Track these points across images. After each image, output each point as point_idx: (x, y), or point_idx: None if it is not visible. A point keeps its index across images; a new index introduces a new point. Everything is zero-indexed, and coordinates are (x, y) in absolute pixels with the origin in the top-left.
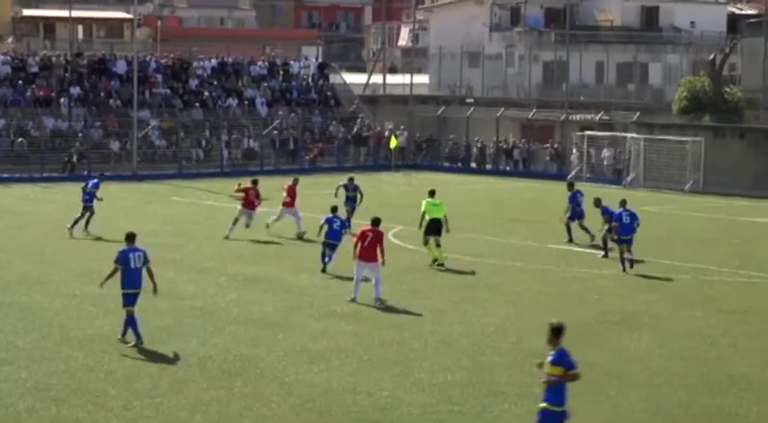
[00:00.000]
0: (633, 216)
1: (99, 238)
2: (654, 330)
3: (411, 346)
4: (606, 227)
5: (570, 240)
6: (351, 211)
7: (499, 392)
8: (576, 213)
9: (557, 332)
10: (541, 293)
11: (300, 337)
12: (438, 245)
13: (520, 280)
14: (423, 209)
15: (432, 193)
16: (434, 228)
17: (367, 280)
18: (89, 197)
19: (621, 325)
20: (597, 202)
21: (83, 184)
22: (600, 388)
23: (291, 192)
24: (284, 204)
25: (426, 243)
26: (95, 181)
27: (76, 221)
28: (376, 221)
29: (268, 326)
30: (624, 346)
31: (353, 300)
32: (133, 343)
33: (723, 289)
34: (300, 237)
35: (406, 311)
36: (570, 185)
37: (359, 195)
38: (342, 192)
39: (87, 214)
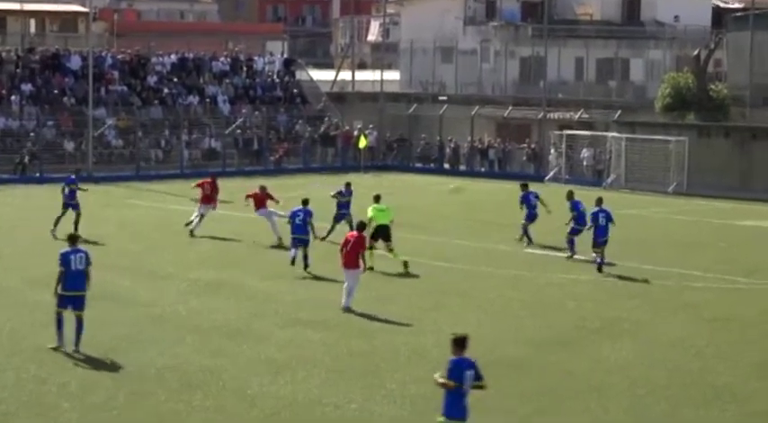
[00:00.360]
0: (609, 217)
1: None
2: (635, 338)
3: (382, 356)
4: (570, 223)
5: (529, 243)
6: (340, 218)
7: (472, 404)
8: (529, 215)
9: (459, 343)
10: (515, 300)
11: (265, 346)
12: (390, 250)
13: (492, 286)
14: (369, 215)
15: (377, 199)
16: (383, 234)
17: None
18: (71, 194)
19: (601, 333)
20: (570, 195)
21: (60, 185)
22: (579, 399)
23: (260, 198)
24: (258, 208)
25: (371, 248)
26: (72, 177)
27: (58, 220)
28: (360, 226)
29: (231, 334)
30: (604, 355)
31: (346, 309)
32: (55, 346)
33: (707, 295)
34: (279, 244)
35: (375, 319)
36: (523, 186)
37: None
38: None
39: (75, 215)
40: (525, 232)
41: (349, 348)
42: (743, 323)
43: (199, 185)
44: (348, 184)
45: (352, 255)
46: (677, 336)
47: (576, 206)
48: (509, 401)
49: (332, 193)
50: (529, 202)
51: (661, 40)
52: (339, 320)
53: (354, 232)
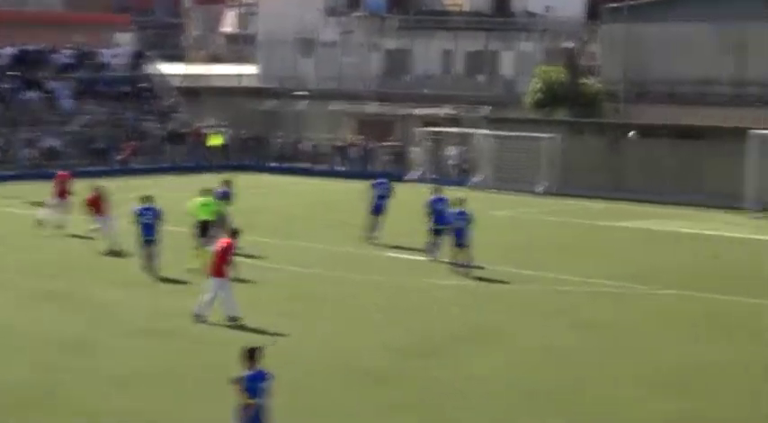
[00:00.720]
0: (468, 218)
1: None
2: (502, 345)
3: (234, 369)
4: (430, 226)
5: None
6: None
7: (328, 415)
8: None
9: (250, 356)
10: (376, 306)
11: (108, 359)
12: (197, 249)
13: (351, 292)
14: (189, 210)
15: (205, 193)
16: (203, 230)
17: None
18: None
19: (467, 340)
20: (436, 191)
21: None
22: (444, 409)
23: (96, 202)
24: (97, 214)
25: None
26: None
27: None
28: (232, 233)
29: (70, 348)
30: (471, 362)
31: (197, 317)
32: None
33: (577, 300)
34: (113, 250)
35: (228, 328)
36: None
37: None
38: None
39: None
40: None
41: (200, 360)
42: (615, 329)
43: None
44: (227, 182)
45: (216, 262)
46: (547, 342)
47: (432, 205)
48: (371, 415)
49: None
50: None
51: (532, 32)
52: (189, 330)
53: (227, 239)
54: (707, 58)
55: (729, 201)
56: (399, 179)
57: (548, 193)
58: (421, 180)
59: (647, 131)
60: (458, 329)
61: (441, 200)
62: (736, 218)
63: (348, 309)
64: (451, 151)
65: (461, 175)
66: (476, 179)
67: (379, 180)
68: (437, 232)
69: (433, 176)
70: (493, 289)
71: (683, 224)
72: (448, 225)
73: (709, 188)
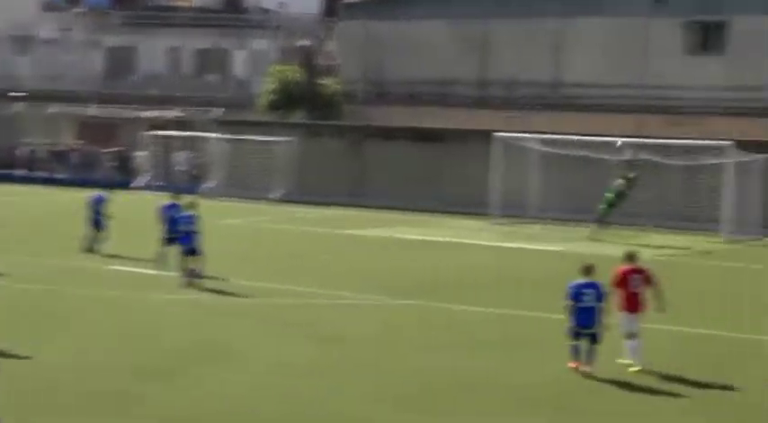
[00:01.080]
0: (191, 221)
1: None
2: (240, 363)
3: None
4: (164, 234)
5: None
6: None
7: None
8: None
9: None
10: (103, 324)
11: None
12: None
13: (76, 308)
14: None
15: None
16: None
17: None
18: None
19: (201, 358)
20: (172, 197)
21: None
22: None
23: None
24: None
25: None
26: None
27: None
28: None
29: None
30: (206, 382)
31: None
32: None
33: (316, 313)
34: None
35: None
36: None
37: None
38: None
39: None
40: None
41: None
42: (356, 342)
43: None
44: None
45: None
46: (285, 359)
47: (165, 212)
48: None
49: None
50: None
51: (266, 30)
52: None
53: None
54: (448, 58)
55: (473, 207)
56: (125, 187)
57: (284, 199)
58: (148, 187)
59: (387, 134)
60: (190, 348)
61: (174, 206)
62: (480, 224)
63: (75, 326)
64: (181, 156)
65: (192, 182)
66: (207, 186)
67: (95, 196)
68: (170, 241)
69: (160, 184)
70: (227, 303)
71: (426, 232)
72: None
73: (453, 193)
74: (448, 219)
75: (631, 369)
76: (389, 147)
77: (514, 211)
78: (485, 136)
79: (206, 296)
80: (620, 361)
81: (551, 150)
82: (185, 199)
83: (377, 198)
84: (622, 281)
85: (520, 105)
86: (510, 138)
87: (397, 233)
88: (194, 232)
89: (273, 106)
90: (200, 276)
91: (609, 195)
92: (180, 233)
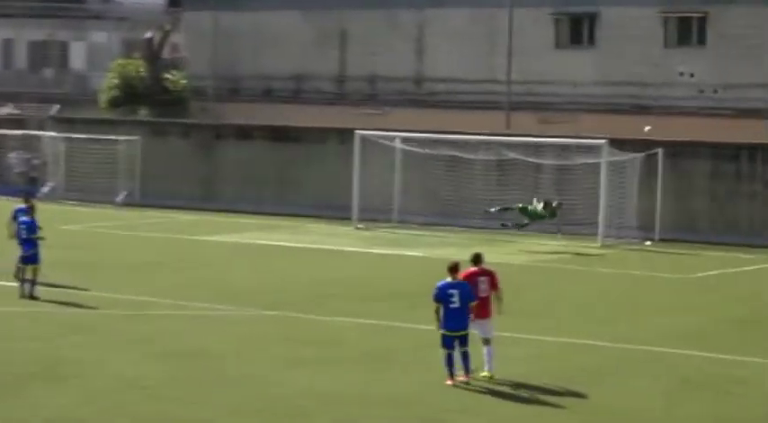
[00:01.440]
0: (32, 227)
1: None
2: (81, 380)
3: None
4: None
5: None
6: None
7: None
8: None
9: None
10: None
11: None
12: None
13: None
14: None
15: None
16: None
17: None
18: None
19: (40, 376)
20: (25, 200)
21: None
22: None
23: None
24: None
25: None
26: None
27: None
28: None
29: None
30: (43, 403)
31: None
32: None
33: (163, 325)
34: None
35: None
36: (25, 200)
37: None
38: None
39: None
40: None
41: None
42: (211, 358)
43: None
44: None
45: None
46: (131, 375)
47: (17, 214)
48: None
49: None
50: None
51: (107, 21)
52: None
53: None
54: (305, 51)
55: (334, 210)
56: None
57: (128, 203)
58: None
59: (240, 133)
60: (28, 365)
61: (23, 210)
62: (341, 229)
63: None
64: (15, 157)
65: (29, 185)
66: (45, 189)
67: None
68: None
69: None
70: (68, 315)
71: (284, 237)
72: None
73: (312, 196)
74: (307, 223)
75: (482, 374)
76: (243, 147)
77: (378, 214)
78: (345, 134)
79: (47, 308)
80: (483, 374)
81: (415, 150)
82: (25, 203)
83: (230, 202)
84: (470, 284)
85: (381, 102)
86: (372, 136)
87: (252, 239)
88: (32, 239)
89: (115, 103)
90: (35, 285)
91: (526, 211)
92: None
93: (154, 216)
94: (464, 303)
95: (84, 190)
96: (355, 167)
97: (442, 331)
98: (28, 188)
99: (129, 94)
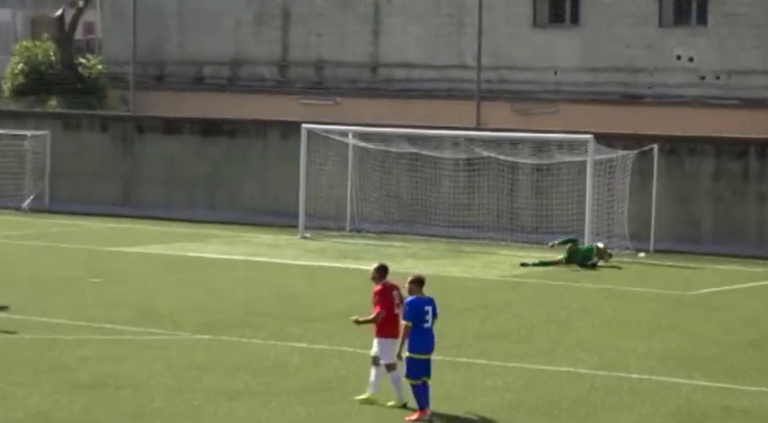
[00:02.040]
0: None
1: None
2: None
3: None
4: None
5: None
6: None
7: None
8: None
9: None
10: None
11: None
12: None
13: None
14: None
15: None
16: None
17: None
18: None
19: None
20: None
21: None
22: None
23: None
24: None
25: None
26: None
27: None
28: None
29: None
30: None
31: None
32: None
33: (78, 352)
34: None
35: None
36: None
37: None
38: None
39: None
40: None
41: None
42: (136, 388)
43: None
44: None
45: None
46: (41, 408)
47: None
48: None
49: None
50: None
51: None
52: None
53: None
54: (242, 34)
55: (276, 217)
56: None
57: (36, 209)
58: None
59: (166, 127)
60: None
61: None
62: (283, 238)
63: None
64: None
65: None
66: None
67: None
68: None
69: None
70: None
71: (218, 249)
72: None
73: (251, 200)
74: (245, 232)
75: (390, 403)
76: (169, 142)
77: (328, 222)
78: (289, 128)
79: None
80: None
81: (372, 146)
82: None
83: (154, 207)
84: (386, 299)
85: (331, 91)
86: (320, 130)
87: (181, 250)
88: None
89: (21, 92)
90: None
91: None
92: None
93: (66, 223)
94: (432, 322)
95: None
96: (302, 167)
97: (409, 355)
98: None
99: (37, 82)
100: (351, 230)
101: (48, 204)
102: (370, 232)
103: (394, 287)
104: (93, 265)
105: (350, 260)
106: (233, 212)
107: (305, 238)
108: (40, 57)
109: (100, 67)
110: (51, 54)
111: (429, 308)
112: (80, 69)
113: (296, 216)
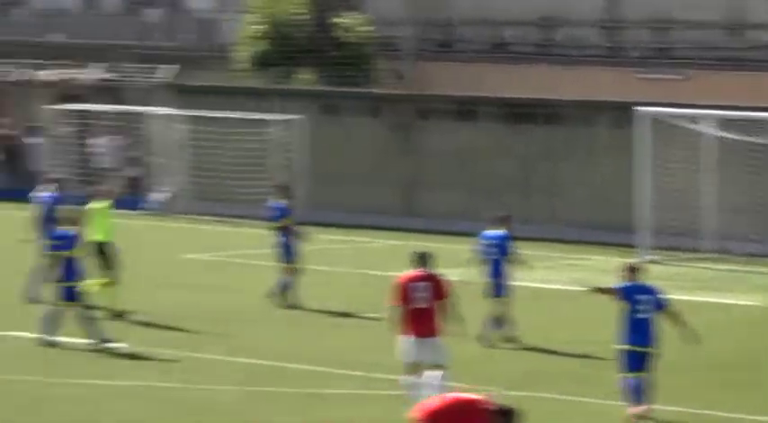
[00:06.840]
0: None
1: None
2: None
3: None
4: None
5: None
6: None
7: None
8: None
9: None
10: None
11: None
12: None
13: None
14: None
15: None
16: None
17: None
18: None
19: None
20: None
21: None
22: None
23: None
24: None
25: None
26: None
27: None
28: None
29: None
30: None
31: None
32: None
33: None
34: None
35: None
36: None
37: None
38: None
39: None
40: None
41: None
42: None
43: None
44: None
45: None
46: None
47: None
48: None
49: None
50: None
51: None
52: None
53: None
54: None
55: (610, 232)
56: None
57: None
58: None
59: (459, 110)
60: None
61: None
62: (614, 260)
63: None
64: (104, 145)
65: (129, 189)
66: (157, 196)
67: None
68: None
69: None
70: None
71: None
72: None
73: (573, 210)
74: (570, 252)
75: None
76: (461, 131)
77: (678, 240)
78: (622, 112)
79: None
80: None
81: (736, 137)
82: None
83: (442, 217)
84: (404, 292)
85: (679, 62)
86: (665, 115)
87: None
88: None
89: (261, 62)
90: None
91: None
92: None
93: (330, 240)
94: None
95: (216, 197)
96: (640, 165)
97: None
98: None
99: (282, 50)
100: (710, 252)
101: (304, 213)
102: (735, 254)
103: (421, 278)
104: (363, 294)
105: (709, 292)
106: (550, 226)
107: (651, 261)
108: (285, 15)
109: (365, 29)
110: (299, 12)
111: (644, 296)
112: (338, 32)
113: (634, 231)
